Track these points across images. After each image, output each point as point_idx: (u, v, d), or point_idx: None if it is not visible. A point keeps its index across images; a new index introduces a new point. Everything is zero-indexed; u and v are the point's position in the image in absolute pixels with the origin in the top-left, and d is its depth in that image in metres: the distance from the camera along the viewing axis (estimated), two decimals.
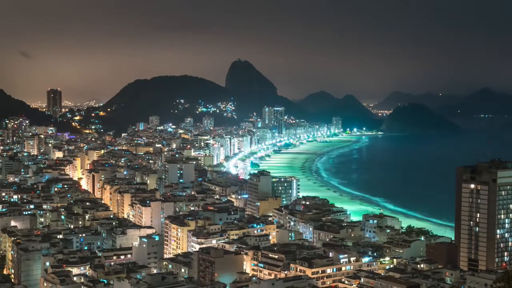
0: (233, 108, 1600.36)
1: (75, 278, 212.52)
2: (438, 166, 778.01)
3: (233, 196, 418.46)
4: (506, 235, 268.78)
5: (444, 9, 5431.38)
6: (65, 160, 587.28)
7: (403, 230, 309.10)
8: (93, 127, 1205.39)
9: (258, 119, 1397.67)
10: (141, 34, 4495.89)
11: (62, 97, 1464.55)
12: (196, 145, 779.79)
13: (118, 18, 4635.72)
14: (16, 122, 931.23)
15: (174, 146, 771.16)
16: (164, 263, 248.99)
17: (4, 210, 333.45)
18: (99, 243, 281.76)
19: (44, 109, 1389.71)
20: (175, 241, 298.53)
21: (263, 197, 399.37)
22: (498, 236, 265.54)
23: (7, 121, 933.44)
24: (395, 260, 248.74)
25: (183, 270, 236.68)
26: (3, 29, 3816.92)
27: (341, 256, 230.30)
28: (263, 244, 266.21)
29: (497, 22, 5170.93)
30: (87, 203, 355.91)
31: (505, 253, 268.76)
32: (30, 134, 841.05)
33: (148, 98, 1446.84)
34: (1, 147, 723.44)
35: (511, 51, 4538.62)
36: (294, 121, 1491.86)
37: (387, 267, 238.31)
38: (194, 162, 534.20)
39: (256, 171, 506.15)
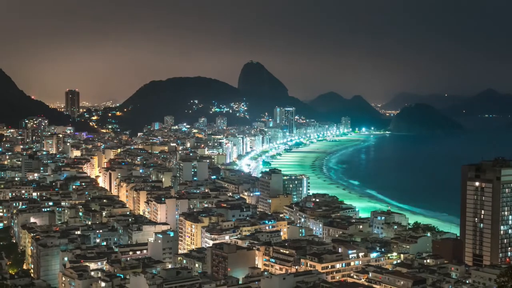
0: (245, 108, 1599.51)
1: (92, 273, 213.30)
2: (444, 164, 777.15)
3: (246, 193, 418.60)
4: (510, 231, 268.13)
5: (449, 11, 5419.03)
6: (83, 158, 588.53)
7: (410, 227, 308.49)
8: (110, 126, 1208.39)
9: (270, 119, 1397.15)
10: (156, 36, 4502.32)
11: (80, 97, 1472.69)
12: (210, 144, 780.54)
13: (133, 21, 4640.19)
14: (35, 122, 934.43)
15: (188, 145, 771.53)
16: (179, 258, 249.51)
17: (24, 207, 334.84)
18: (115, 239, 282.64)
19: (62, 109, 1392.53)
20: (189, 237, 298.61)
21: (274, 194, 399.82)
22: (502, 232, 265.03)
23: (27, 121, 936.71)
24: (402, 255, 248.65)
25: (197, 265, 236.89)
26: (22, 32, 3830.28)
27: (350, 252, 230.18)
28: (275, 240, 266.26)
29: (502, 24, 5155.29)
30: (104, 200, 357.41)
31: (509, 249, 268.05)
32: (49, 133, 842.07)
33: (163, 98, 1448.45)
34: (21, 146, 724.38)
35: None
36: (304, 121, 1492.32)
37: (395, 262, 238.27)
38: (207, 161, 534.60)
39: (267, 169, 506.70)
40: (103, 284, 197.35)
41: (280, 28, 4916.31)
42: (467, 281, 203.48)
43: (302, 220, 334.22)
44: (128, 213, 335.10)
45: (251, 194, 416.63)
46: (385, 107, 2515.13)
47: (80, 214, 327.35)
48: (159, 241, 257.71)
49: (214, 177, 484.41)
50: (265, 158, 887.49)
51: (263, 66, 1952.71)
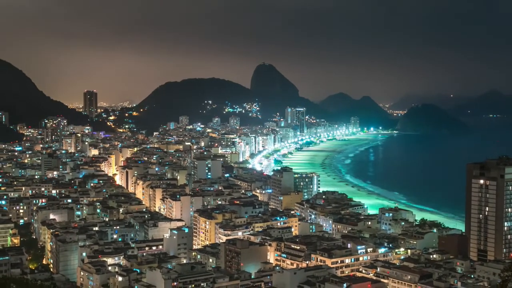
0: (257, 108, 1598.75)
1: (109, 268, 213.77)
2: (449, 163, 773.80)
3: (258, 191, 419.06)
4: None
5: (454, 13, 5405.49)
6: (101, 157, 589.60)
7: (416, 223, 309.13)
8: (126, 126, 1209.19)
9: (281, 119, 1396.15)
10: (171, 39, 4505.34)
11: (98, 98, 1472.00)
12: (223, 143, 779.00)
13: (149, 25, 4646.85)
14: (54, 122, 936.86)
15: (202, 144, 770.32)
16: (193, 253, 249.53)
17: (43, 204, 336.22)
18: (132, 235, 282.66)
19: (81, 110, 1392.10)
20: (203, 233, 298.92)
21: (286, 192, 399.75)
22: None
23: (47, 121, 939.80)
24: (409, 250, 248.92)
25: (211, 260, 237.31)
26: (42, 34, 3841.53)
27: (359, 247, 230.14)
28: (286, 235, 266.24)
29: (506, 25, 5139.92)
30: (121, 198, 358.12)
31: None
32: (68, 133, 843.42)
33: (178, 99, 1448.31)
34: (41, 145, 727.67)
35: None
36: (314, 121, 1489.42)
37: (402, 257, 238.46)
38: (221, 159, 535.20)
39: (279, 168, 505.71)
40: (120, 278, 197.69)
41: (291, 31, 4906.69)
42: (472, 276, 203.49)
43: (313, 216, 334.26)
44: (144, 210, 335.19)
45: (263, 192, 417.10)
46: (392, 108, 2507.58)
47: (98, 211, 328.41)
48: (174, 237, 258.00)
49: (228, 175, 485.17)
50: (277, 156, 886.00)
51: (274, 68, 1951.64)
